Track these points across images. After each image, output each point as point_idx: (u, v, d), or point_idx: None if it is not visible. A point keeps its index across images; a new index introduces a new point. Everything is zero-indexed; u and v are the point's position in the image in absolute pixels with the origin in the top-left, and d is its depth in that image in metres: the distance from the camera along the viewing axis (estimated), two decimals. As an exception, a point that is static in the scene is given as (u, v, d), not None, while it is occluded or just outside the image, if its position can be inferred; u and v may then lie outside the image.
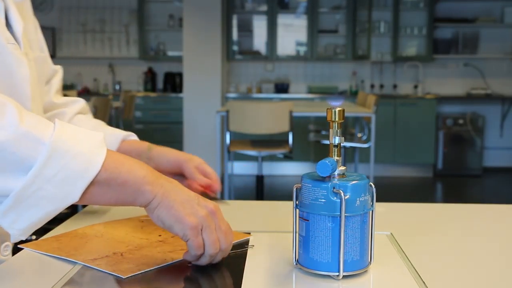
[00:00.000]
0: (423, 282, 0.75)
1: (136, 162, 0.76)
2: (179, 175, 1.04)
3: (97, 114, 4.18)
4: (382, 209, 1.11)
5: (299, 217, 0.77)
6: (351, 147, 5.01)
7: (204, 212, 0.76)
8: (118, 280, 0.76)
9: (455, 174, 6.32)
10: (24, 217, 0.70)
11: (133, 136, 1.07)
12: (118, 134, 1.05)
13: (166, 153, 1.03)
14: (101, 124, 1.09)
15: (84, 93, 6.57)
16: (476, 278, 0.78)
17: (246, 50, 6.77)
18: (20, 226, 0.71)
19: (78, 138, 0.71)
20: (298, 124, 4.92)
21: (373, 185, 0.77)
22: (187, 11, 6.05)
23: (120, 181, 0.73)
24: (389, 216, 1.08)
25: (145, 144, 1.05)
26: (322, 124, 5.70)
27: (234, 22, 6.68)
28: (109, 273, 0.77)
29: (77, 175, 0.70)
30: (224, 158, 4.63)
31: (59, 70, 1.08)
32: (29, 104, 0.88)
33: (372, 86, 6.79)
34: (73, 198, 0.71)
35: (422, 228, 1.02)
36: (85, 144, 0.71)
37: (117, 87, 6.86)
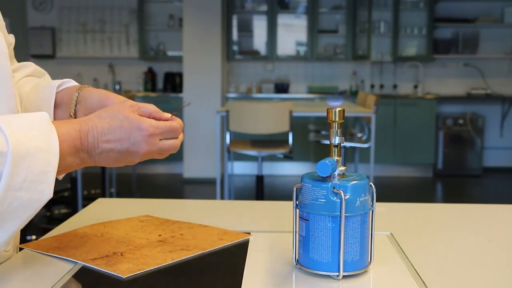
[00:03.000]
0: (423, 282, 0.75)
1: (65, 144, 0.74)
2: None
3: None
4: (382, 209, 1.11)
5: (299, 217, 0.77)
6: (351, 147, 5.01)
7: (138, 160, 0.81)
8: (118, 280, 0.76)
9: (455, 174, 6.32)
10: (3, 231, 0.69)
11: (66, 84, 0.97)
12: (52, 88, 0.95)
13: (89, 97, 0.93)
14: (39, 83, 0.98)
15: (84, 93, 6.56)
16: (476, 278, 0.78)
17: (246, 50, 6.77)
18: (1, 240, 0.69)
19: (30, 135, 0.69)
20: (298, 124, 4.92)
21: (373, 185, 0.77)
22: (187, 11, 6.05)
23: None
24: (389, 216, 1.08)
25: (73, 91, 0.95)
26: (322, 124, 5.70)
27: (234, 22, 6.68)
28: (109, 273, 0.77)
29: (44, 170, 0.69)
30: (224, 158, 4.63)
31: (12, 42, 0.99)
32: (10, 82, 0.84)
33: (372, 86, 6.79)
34: (48, 194, 0.70)
35: (422, 228, 1.02)
36: (39, 136, 0.70)
37: (117, 87, 6.86)
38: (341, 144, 0.77)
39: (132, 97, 4.93)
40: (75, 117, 0.92)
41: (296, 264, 0.79)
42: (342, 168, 0.76)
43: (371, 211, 0.77)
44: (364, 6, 6.58)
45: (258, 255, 0.86)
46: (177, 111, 0.86)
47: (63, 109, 0.94)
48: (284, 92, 6.64)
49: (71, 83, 0.97)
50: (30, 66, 1.02)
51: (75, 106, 0.92)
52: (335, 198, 0.73)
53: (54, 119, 0.94)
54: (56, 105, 0.94)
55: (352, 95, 6.45)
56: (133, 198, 1.26)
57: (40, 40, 6.73)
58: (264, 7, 6.66)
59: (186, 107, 6.08)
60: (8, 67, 0.82)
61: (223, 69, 6.30)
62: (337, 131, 0.76)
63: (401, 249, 0.89)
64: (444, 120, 6.34)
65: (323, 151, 5.88)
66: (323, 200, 0.74)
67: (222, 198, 4.61)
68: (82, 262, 0.81)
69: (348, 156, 5.76)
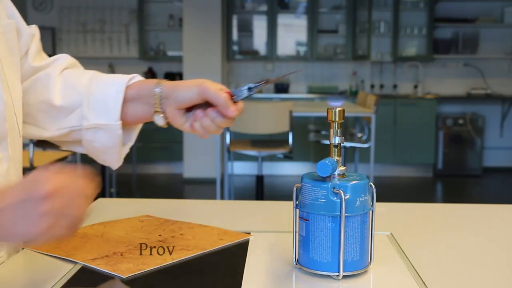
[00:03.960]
0: (423, 282, 0.75)
1: None
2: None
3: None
4: (382, 209, 1.11)
5: (299, 217, 0.77)
6: (351, 147, 5.01)
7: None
8: (118, 280, 0.76)
9: (455, 174, 6.32)
10: None
11: (135, 78, 0.94)
12: (120, 84, 0.91)
13: (180, 92, 0.88)
14: (96, 76, 0.95)
15: (84, 93, 6.56)
16: (476, 278, 0.78)
17: (246, 50, 6.77)
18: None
19: None
20: (298, 124, 4.92)
21: (373, 185, 0.77)
22: (187, 11, 6.05)
23: None
24: (389, 216, 1.08)
25: (151, 86, 0.90)
26: (322, 124, 5.70)
27: (234, 22, 6.68)
28: (109, 273, 0.77)
29: None
30: (224, 158, 4.63)
31: (35, 32, 0.96)
32: (17, 55, 0.82)
33: (372, 86, 6.79)
34: None
35: (422, 228, 1.02)
36: None
37: (117, 87, 6.86)
38: (341, 144, 0.77)
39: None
40: (165, 113, 0.89)
41: (296, 264, 0.79)
42: (342, 168, 0.76)
43: (371, 211, 0.77)
44: (364, 6, 6.57)
45: (258, 255, 0.86)
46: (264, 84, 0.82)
47: (141, 104, 0.91)
48: (284, 92, 6.64)
49: (138, 77, 0.94)
50: (63, 58, 0.99)
51: (160, 101, 0.89)
52: (335, 198, 0.73)
53: (127, 114, 0.92)
54: (131, 100, 0.91)
55: (352, 95, 6.45)
56: (133, 198, 1.26)
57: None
58: (264, 7, 6.66)
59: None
60: (16, 42, 0.87)
61: (223, 69, 6.30)
62: (337, 131, 0.76)
63: (401, 249, 0.89)
64: (444, 120, 6.34)
65: (323, 151, 5.88)
66: (323, 200, 0.74)
67: (222, 198, 4.61)
68: (82, 262, 0.81)
69: (348, 156, 5.76)
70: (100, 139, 0.91)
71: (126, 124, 0.93)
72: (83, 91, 0.92)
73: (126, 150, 0.97)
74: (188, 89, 0.88)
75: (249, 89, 0.85)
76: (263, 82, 0.84)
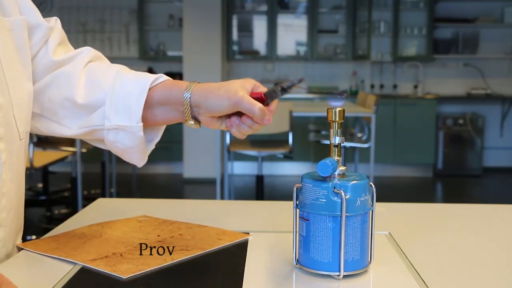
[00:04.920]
0: (423, 282, 0.75)
1: None
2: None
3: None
4: (382, 209, 1.11)
5: (300, 217, 0.77)
6: (351, 147, 5.01)
7: None
8: (119, 280, 0.75)
9: (455, 174, 6.32)
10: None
11: (160, 79, 0.90)
12: (143, 85, 0.89)
13: (212, 102, 0.86)
14: (120, 73, 0.92)
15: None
16: (476, 278, 0.78)
17: (246, 50, 6.77)
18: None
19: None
20: (298, 124, 4.92)
21: (373, 185, 0.77)
22: (187, 11, 6.04)
23: None
24: (389, 216, 1.08)
25: (181, 91, 0.88)
26: (322, 124, 5.70)
27: (234, 22, 6.68)
28: (110, 274, 0.77)
29: None
30: (224, 158, 4.63)
31: (54, 24, 0.93)
32: (28, 52, 0.80)
33: (372, 86, 6.79)
34: None
35: (422, 228, 1.02)
36: None
37: (117, 87, 6.85)
38: (341, 144, 0.77)
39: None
40: (199, 121, 0.89)
41: (297, 264, 0.79)
42: (342, 168, 0.76)
43: (371, 211, 0.77)
44: (364, 6, 6.57)
45: (258, 255, 0.86)
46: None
47: (171, 110, 0.89)
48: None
49: (163, 78, 0.91)
50: (86, 52, 0.96)
51: (191, 109, 0.87)
52: (336, 198, 0.73)
53: (158, 117, 0.91)
54: (160, 104, 0.89)
55: (352, 95, 6.45)
56: (133, 198, 1.26)
57: (40, 40, 6.72)
58: (264, 7, 6.66)
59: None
60: (26, 39, 0.85)
61: (223, 69, 6.30)
62: (337, 131, 0.76)
63: (400, 248, 0.88)
64: (444, 120, 6.34)
65: (323, 151, 5.88)
66: (323, 200, 0.74)
67: (222, 198, 4.61)
68: (81, 263, 0.81)
69: (348, 156, 5.76)
70: (122, 140, 0.90)
71: (156, 124, 0.93)
72: (107, 89, 0.89)
73: (151, 147, 0.95)
74: (220, 100, 0.85)
75: (282, 89, 0.83)
76: (296, 82, 0.82)
